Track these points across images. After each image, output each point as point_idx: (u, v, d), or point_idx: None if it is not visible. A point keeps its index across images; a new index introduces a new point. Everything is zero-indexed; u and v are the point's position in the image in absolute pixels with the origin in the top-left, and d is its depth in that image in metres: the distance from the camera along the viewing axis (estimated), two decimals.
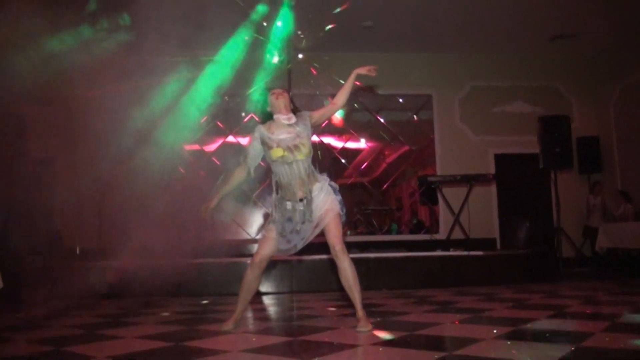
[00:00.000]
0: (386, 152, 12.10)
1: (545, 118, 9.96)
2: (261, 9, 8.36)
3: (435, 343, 3.31)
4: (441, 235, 10.51)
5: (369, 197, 12.02)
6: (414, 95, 11.66)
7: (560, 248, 9.62)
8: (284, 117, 3.94)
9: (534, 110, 11.22)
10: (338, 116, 11.18)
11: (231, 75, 8.35)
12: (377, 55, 10.90)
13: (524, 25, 10.10)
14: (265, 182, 3.80)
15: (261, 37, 8.76)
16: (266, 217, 7.59)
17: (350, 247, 8.57)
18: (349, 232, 11.46)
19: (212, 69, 8.23)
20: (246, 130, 11.12)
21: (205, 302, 6.05)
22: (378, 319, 4.21)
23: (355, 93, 10.96)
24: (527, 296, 5.68)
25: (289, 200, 3.90)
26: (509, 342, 3.16)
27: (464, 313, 4.48)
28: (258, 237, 4.09)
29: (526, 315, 4.25)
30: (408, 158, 11.88)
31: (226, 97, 10.58)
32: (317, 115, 4.07)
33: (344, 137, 11.66)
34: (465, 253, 7.56)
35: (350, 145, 11.73)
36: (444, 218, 10.90)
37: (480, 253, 7.53)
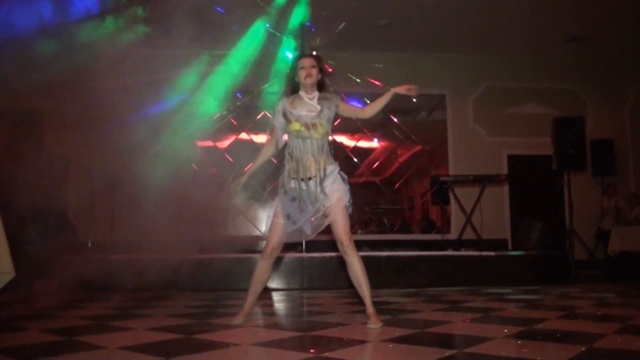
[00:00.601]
0: (399, 152, 12.09)
1: (559, 119, 9.91)
2: (278, 3, 8.36)
3: (445, 341, 3.31)
4: (452, 235, 10.49)
5: (381, 196, 12.01)
6: (427, 94, 11.62)
7: (572, 250, 9.58)
8: (308, 96, 3.97)
9: (548, 112, 11.16)
10: None
11: (245, 71, 8.36)
12: (391, 54, 10.91)
13: (539, 26, 10.06)
14: (276, 181, 3.79)
15: (277, 33, 8.77)
16: None
17: (361, 245, 8.58)
18: (359, 231, 11.46)
19: (226, 64, 8.24)
20: (259, 127, 11.13)
21: (215, 296, 6.06)
22: (388, 316, 4.21)
23: (368, 92, 10.97)
24: (538, 297, 5.66)
25: (294, 178, 3.88)
26: (519, 342, 3.15)
27: (475, 312, 4.47)
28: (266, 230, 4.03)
29: (537, 315, 4.23)
30: (420, 158, 11.86)
31: (239, 94, 10.62)
32: (344, 107, 4.06)
33: (356, 135, 11.65)
34: (476, 253, 7.53)
35: (363, 144, 11.73)
36: (456, 218, 10.88)
37: (491, 253, 7.51)
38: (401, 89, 4.14)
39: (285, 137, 4.05)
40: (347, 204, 3.86)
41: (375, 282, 6.85)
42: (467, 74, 11.54)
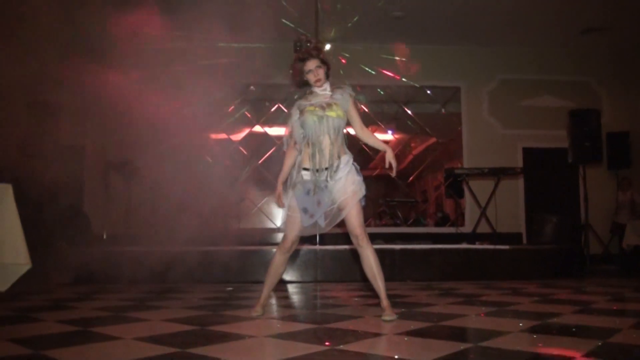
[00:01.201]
0: (413, 144, 12.06)
1: (574, 112, 9.86)
2: None
3: (460, 334, 3.30)
4: (466, 228, 10.47)
5: (395, 189, 11.99)
6: (442, 87, 11.61)
7: (587, 244, 9.53)
8: (320, 89, 3.98)
9: (563, 105, 11.10)
10: (364, 107, 11.18)
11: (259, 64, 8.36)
12: (406, 46, 10.86)
13: (555, 18, 9.99)
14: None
15: (291, 25, 8.76)
16: None
17: (375, 238, 8.58)
18: (376, 222, 11.46)
19: (241, 57, 8.24)
20: (273, 120, 11.16)
21: (230, 289, 6.08)
22: (403, 309, 4.20)
23: (383, 84, 10.95)
24: (553, 291, 5.63)
25: (305, 169, 3.86)
26: (534, 336, 3.14)
27: (490, 306, 4.46)
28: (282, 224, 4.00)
29: (552, 309, 4.21)
30: (435, 150, 11.83)
31: (253, 87, 10.64)
32: (352, 110, 4.02)
33: (370, 128, 11.60)
34: (491, 247, 7.51)
35: (377, 136, 11.68)
36: (470, 211, 10.86)
37: (506, 247, 7.48)
38: (390, 155, 3.97)
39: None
40: (361, 196, 3.84)
41: (389, 275, 6.85)
42: (481, 66, 11.49)
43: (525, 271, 7.28)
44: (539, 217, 9.14)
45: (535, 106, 11.47)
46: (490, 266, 7.28)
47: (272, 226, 10.89)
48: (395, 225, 11.47)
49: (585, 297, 5.17)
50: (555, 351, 2.72)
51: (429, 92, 11.60)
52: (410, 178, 11.81)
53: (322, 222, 3.83)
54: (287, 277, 6.94)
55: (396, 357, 2.59)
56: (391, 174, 3.95)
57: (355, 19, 8.81)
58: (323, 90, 3.98)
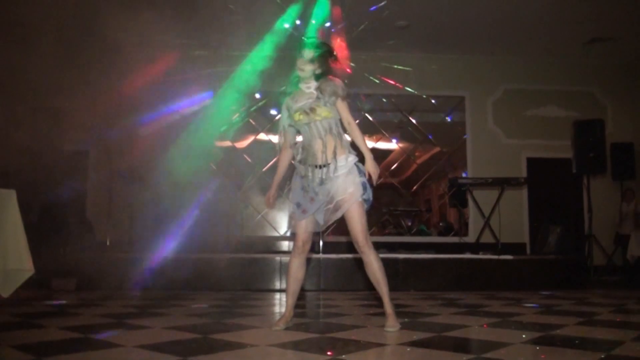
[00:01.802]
0: (417, 153, 12.04)
1: (579, 122, 9.86)
2: (297, 6, 8.36)
3: (463, 345, 3.29)
4: (470, 238, 10.45)
5: (399, 197, 11.97)
6: (446, 96, 11.61)
7: (591, 255, 9.50)
8: (305, 86, 3.88)
9: (568, 115, 11.10)
10: (368, 116, 11.20)
11: (264, 72, 8.38)
12: (410, 55, 10.88)
13: (559, 28, 9.98)
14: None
15: (295, 33, 8.77)
16: None
17: (378, 247, 8.56)
18: (378, 231, 11.45)
19: (246, 65, 8.27)
20: (277, 128, 11.16)
21: (232, 296, 6.08)
22: (406, 319, 4.20)
23: (387, 93, 10.96)
24: (557, 302, 5.61)
25: (303, 164, 3.79)
26: (537, 348, 3.13)
27: (493, 317, 4.45)
28: (287, 233, 3.95)
29: (555, 321, 4.20)
30: (439, 160, 11.81)
31: (257, 95, 10.64)
32: (340, 103, 3.79)
33: (375, 137, 11.63)
34: (494, 257, 7.50)
35: (381, 145, 11.71)
36: (474, 221, 10.83)
37: (510, 257, 7.47)
38: (370, 164, 3.72)
39: (299, 138, 3.97)
40: (363, 199, 3.73)
41: (392, 285, 6.82)
42: (486, 75, 11.49)
43: (529, 282, 7.26)
44: (542, 228, 9.13)
45: (539, 116, 11.46)
46: (494, 276, 7.27)
47: (276, 234, 10.88)
48: (399, 234, 11.45)
49: (589, 308, 5.15)
50: None
51: (433, 101, 11.60)
52: (414, 187, 11.79)
53: (320, 219, 3.74)
54: None
55: None
56: (372, 178, 3.76)
57: (360, 28, 8.82)
58: (308, 89, 3.87)
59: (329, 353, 2.90)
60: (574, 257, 7.96)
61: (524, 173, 11.06)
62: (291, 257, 3.88)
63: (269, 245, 10.09)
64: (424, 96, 11.33)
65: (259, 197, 10.80)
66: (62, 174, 7.14)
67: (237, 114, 10.47)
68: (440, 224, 12.29)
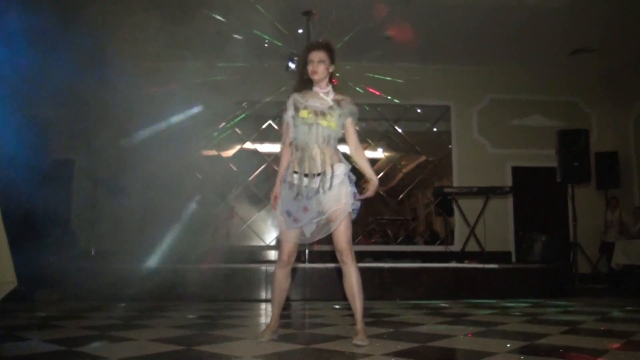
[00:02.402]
0: (403, 162, 12.08)
1: (563, 132, 9.94)
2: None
3: (448, 355, 3.30)
4: (456, 247, 10.48)
5: (385, 207, 12.00)
6: (432, 106, 11.68)
7: (576, 263, 9.55)
8: (322, 91, 3.78)
9: (552, 124, 11.19)
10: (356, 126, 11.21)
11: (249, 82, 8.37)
12: (396, 65, 10.93)
13: (544, 39, 10.07)
14: None
15: (280, 44, 8.79)
16: None
17: (364, 256, 8.57)
18: (364, 240, 11.46)
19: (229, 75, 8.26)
20: (263, 137, 11.18)
21: (217, 307, 6.05)
22: (390, 329, 4.20)
23: (373, 103, 10.99)
24: (542, 311, 5.64)
25: (296, 172, 3.65)
26: (522, 357, 3.14)
27: (478, 326, 4.46)
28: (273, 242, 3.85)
29: (540, 330, 4.21)
30: (425, 169, 11.86)
31: (244, 104, 10.65)
32: (350, 124, 3.83)
33: (361, 146, 11.66)
34: (480, 265, 7.52)
35: (368, 154, 11.69)
36: (459, 230, 10.86)
37: (495, 266, 7.49)
38: (372, 189, 3.77)
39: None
40: (353, 210, 3.68)
41: (377, 294, 6.85)
42: (471, 85, 11.56)
43: (514, 290, 7.28)
44: (527, 236, 9.17)
45: (524, 126, 11.54)
46: (479, 285, 7.28)
47: (262, 244, 10.86)
48: (385, 243, 11.46)
49: (574, 317, 5.17)
50: None
51: (419, 110, 11.66)
52: (400, 196, 11.82)
53: (308, 231, 3.64)
54: None
55: None
56: (360, 196, 3.74)
57: (345, 39, 8.84)
58: (325, 94, 3.78)
59: None
60: (559, 266, 8.00)
61: (509, 182, 11.12)
62: (276, 269, 3.77)
63: (255, 255, 10.06)
64: (409, 106, 11.39)
65: (245, 207, 10.79)
66: (46, 183, 7.08)
67: (223, 123, 10.46)
68: (427, 232, 12.32)
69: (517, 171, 11.36)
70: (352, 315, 3.57)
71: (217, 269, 6.88)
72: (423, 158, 11.84)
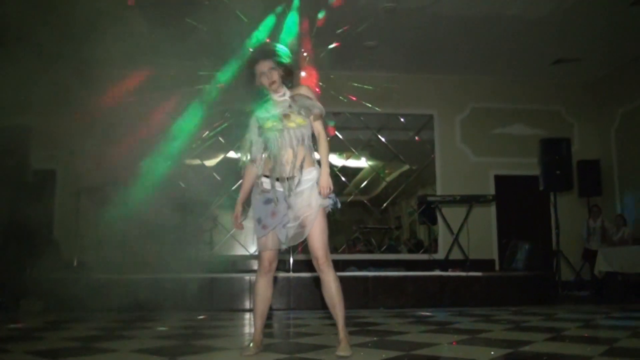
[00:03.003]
0: (386, 171, 12.11)
1: (545, 140, 10.01)
2: (267, 23, 8.36)
3: None
4: (440, 255, 10.50)
5: (368, 215, 12.02)
6: (415, 115, 11.72)
7: (559, 271, 9.61)
8: (278, 95, 3.61)
9: (534, 133, 11.27)
10: (338, 134, 11.24)
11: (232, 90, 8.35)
12: (379, 74, 10.97)
13: (526, 48, 10.16)
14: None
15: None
16: None
17: (348, 265, 8.55)
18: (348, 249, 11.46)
19: (214, 83, 8.24)
20: (243, 144, 11.13)
21: (201, 317, 6.02)
22: (375, 338, 4.19)
23: (357, 112, 11.01)
24: (525, 318, 5.65)
25: (266, 176, 3.54)
26: None
27: (462, 334, 4.46)
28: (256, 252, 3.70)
29: (524, 337, 4.22)
30: (408, 177, 11.90)
31: (227, 113, 10.61)
32: (317, 121, 3.63)
33: (344, 155, 11.69)
34: (463, 274, 7.54)
35: (351, 163, 11.77)
36: (443, 238, 10.89)
37: (478, 274, 7.51)
38: (324, 178, 3.48)
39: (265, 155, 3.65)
40: (331, 209, 3.55)
41: (361, 303, 6.84)
42: (454, 94, 11.61)
43: (498, 298, 7.31)
44: (511, 244, 9.21)
45: (507, 134, 11.61)
46: (463, 293, 7.30)
47: (245, 253, 10.82)
48: (369, 252, 11.46)
49: (557, 324, 5.19)
50: None
51: (402, 119, 11.70)
52: (384, 204, 11.84)
53: (282, 236, 3.48)
54: None
55: None
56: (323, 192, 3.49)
57: (329, 48, 8.86)
58: (281, 97, 3.61)
59: None
60: (542, 273, 8.05)
61: (492, 190, 11.17)
62: (257, 277, 3.64)
63: (238, 265, 10.02)
64: (392, 114, 11.44)
65: (228, 216, 10.75)
66: (28, 193, 7.03)
67: (206, 132, 10.43)
68: (411, 240, 12.34)
69: (499, 179, 11.42)
70: (335, 325, 3.53)
71: (200, 278, 6.85)
72: (406, 167, 11.88)
